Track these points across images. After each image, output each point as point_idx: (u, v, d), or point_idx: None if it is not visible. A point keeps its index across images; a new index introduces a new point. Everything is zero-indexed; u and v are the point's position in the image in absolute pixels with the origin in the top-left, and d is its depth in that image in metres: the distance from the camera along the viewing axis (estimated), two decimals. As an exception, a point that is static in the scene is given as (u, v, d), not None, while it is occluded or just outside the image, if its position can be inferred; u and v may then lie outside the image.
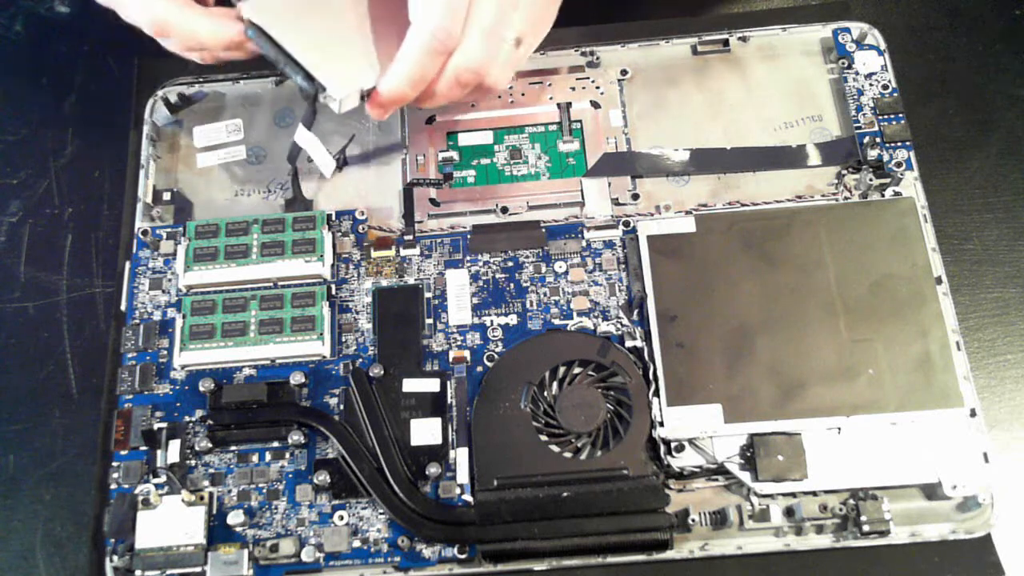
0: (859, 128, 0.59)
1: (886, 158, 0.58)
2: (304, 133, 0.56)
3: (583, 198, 0.59)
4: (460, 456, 0.52)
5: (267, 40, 0.50)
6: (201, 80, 0.58)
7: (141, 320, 0.57)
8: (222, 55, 0.52)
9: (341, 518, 0.52)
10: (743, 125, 0.61)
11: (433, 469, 0.52)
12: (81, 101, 0.66)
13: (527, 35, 0.52)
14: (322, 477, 0.52)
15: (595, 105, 0.62)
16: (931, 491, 0.51)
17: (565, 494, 0.50)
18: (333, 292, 0.57)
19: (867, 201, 0.57)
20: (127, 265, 0.59)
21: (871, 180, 0.58)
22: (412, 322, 0.56)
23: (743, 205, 0.58)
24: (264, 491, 0.53)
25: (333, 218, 0.59)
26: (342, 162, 0.61)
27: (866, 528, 0.49)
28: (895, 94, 0.60)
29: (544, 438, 0.52)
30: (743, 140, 0.60)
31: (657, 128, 0.61)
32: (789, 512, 0.51)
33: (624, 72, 0.63)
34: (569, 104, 0.62)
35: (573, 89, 0.62)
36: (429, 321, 0.56)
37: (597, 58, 0.63)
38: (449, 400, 0.54)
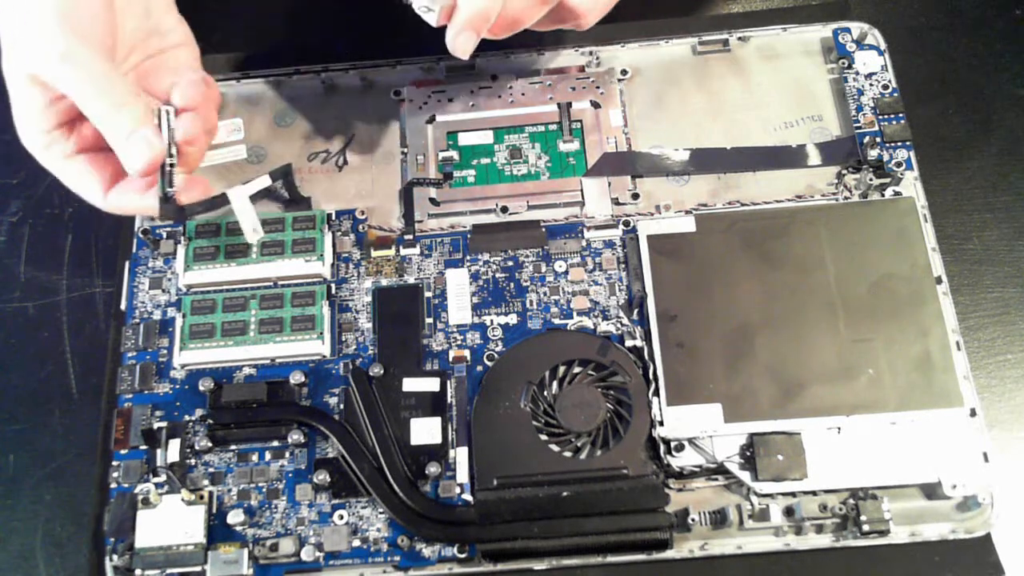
0: (859, 128, 0.59)
1: (886, 158, 0.58)
2: (240, 193, 0.56)
3: (583, 198, 0.59)
4: (460, 456, 0.52)
5: None
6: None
7: (141, 319, 0.57)
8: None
9: (341, 517, 0.52)
10: (743, 125, 0.61)
11: (433, 469, 0.52)
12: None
13: None
14: (322, 476, 0.52)
15: (595, 105, 0.62)
16: (931, 491, 0.51)
17: (565, 494, 0.50)
18: (333, 291, 0.57)
19: (867, 201, 0.57)
20: (127, 265, 0.59)
21: (871, 180, 0.58)
22: (412, 322, 0.56)
23: (743, 205, 0.58)
24: (264, 490, 0.53)
25: (333, 218, 0.59)
26: (342, 162, 0.61)
27: (866, 528, 0.49)
28: (895, 94, 0.60)
29: (544, 438, 0.52)
30: (743, 140, 0.60)
31: (657, 128, 0.61)
32: (789, 512, 0.51)
33: (624, 72, 0.63)
34: (569, 104, 0.62)
35: (573, 89, 0.62)
36: (429, 321, 0.56)
37: (597, 58, 0.63)
38: (449, 400, 0.54)
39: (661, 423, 0.51)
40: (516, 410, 0.53)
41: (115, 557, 0.51)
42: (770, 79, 0.62)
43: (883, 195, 0.57)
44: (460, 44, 0.49)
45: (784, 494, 0.51)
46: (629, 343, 0.54)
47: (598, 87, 0.62)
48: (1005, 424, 0.55)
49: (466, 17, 0.48)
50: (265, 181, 0.58)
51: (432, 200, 0.60)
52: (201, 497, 0.52)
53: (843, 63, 0.61)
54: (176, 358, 0.55)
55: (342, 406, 0.54)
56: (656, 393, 0.52)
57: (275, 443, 0.54)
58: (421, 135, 0.62)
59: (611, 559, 0.51)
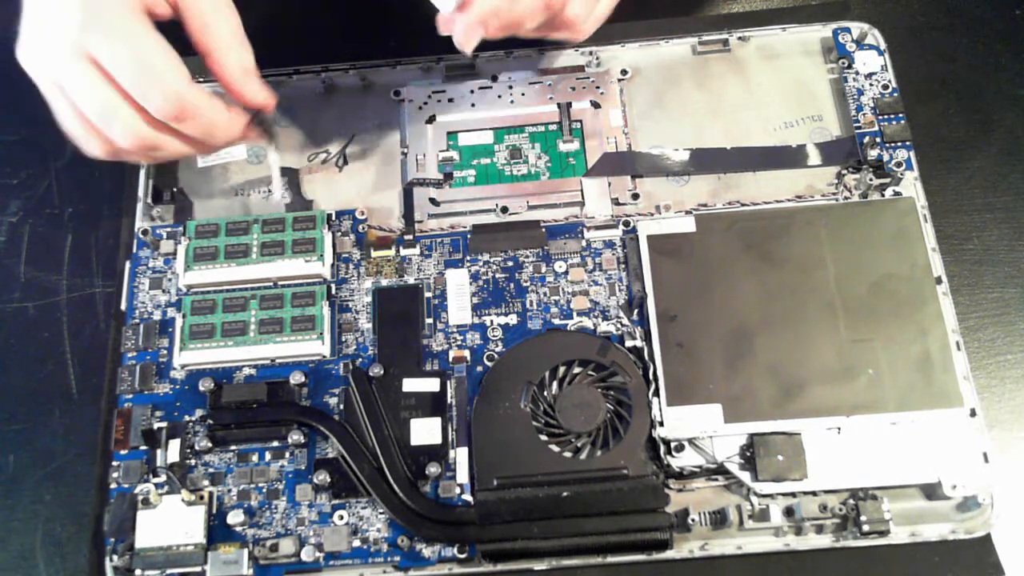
0: (859, 128, 0.59)
1: (886, 158, 0.58)
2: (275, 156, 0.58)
3: (583, 198, 0.59)
4: (460, 456, 0.52)
5: None
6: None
7: (141, 320, 0.57)
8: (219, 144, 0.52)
9: (341, 518, 0.52)
10: (743, 125, 0.61)
11: (433, 469, 0.52)
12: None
13: None
14: (322, 477, 0.52)
15: (595, 105, 0.62)
16: (931, 491, 0.51)
17: (565, 494, 0.50)
18: (333, 292, 0.57)
19: (867, 201, 0.57)
20: (127, 265, 0.59)
21: (871, 180, 0.58)
22: (412, 322, 0.56)
23: (743, 205, 0.58)
24: (264, 491, 0.53)
25: (333, 218, 0.59)
26: (342, 162, 0.61)
27: (866, 528, 0.49)
28: (895, 94, 0.60)
29: (544, 438, 0.52)
30: (743, 140, 0.61)
31: (657, 128, 0.61)
32: (789, 512, 0.51)
33: (624, 72, 0.63)
34: (569, 104, 0.62)
35: (573, 89, 0.62)
36: (429, 321, 0.56)
37: (597, 58, 0.63)
38: (449, 400, 0.54)
39: (661, 423, 0.51)
40: (516, 410, 0.53)
41: (115, 557, 0.51)
42: (770, 79, 0.62)
43: (883, 195, 0.57)
44: (469, 38, 0.49)
45: (784, 494, 0.51)
46: (629, 343, 0.54)
47: (598, 87, 0.62)
48: (1005, 424, 0.55)
49: (480, 12, 0.48)
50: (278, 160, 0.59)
51: (432, 200, 0.60)
52: (201, 497, 0.52)
53: (843, 63, 0.61)
54: (176, 358, 0.55)
55: (342, 406, 0.54)
56: (656, 393, 0.52)
57: (275, 443, 0.54)
58: (421, 135, 0.62)
59: (611, 559, 0.51)
